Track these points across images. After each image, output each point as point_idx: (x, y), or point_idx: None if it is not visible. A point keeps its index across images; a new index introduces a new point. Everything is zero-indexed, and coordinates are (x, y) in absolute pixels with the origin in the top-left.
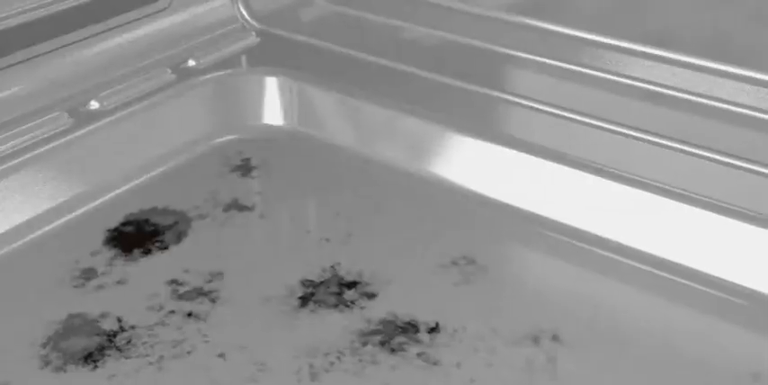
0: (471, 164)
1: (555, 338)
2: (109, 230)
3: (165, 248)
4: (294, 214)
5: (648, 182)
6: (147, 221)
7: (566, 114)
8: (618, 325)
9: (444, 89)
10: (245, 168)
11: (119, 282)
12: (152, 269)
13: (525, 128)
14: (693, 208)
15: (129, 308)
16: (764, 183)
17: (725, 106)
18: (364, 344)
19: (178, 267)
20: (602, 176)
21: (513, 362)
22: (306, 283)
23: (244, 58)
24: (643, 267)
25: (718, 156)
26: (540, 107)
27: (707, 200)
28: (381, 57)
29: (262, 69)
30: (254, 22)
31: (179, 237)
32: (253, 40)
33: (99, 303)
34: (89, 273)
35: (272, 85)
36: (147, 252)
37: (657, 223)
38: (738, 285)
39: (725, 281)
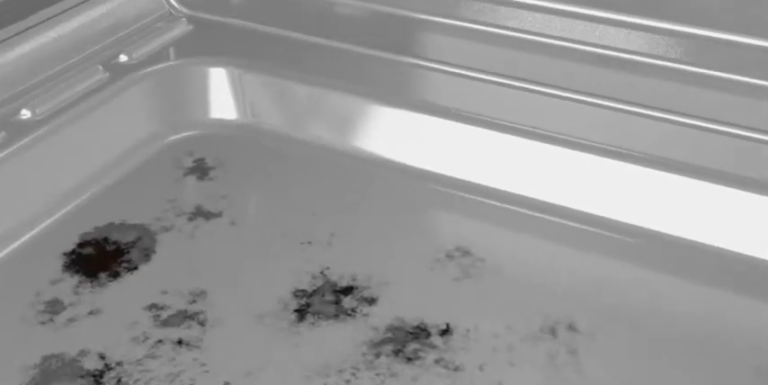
0: (438, 145)
1: (571, 328)
2: (65, 254)
3: (134, 269)
4: (267, 217)
5: (609, 148)
6: (106, 240)
7: (497, 80)
8: (628, 305)
9: (386, 65)
10: (200, 170)
11: (91, 313)
12: (125, 294)
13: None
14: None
15: (110, 341)
16: (677, 130)
17: (627, 56)
18: (377, 355)
19: (154, 289)
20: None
21: (535, 359)
22: (298, 294)
23: (179, 49)
24: (631, 240)
25: (630, 107)
26: (475, 75)
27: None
28: (320, 36)
29: (203, 59)
30: (182, 9)
31: (146, 255)
32: (185, 27)
33: (74, 339)
34: (55, 306)
35: (215, 75)
36: (115, 275)
37: (607, 186)
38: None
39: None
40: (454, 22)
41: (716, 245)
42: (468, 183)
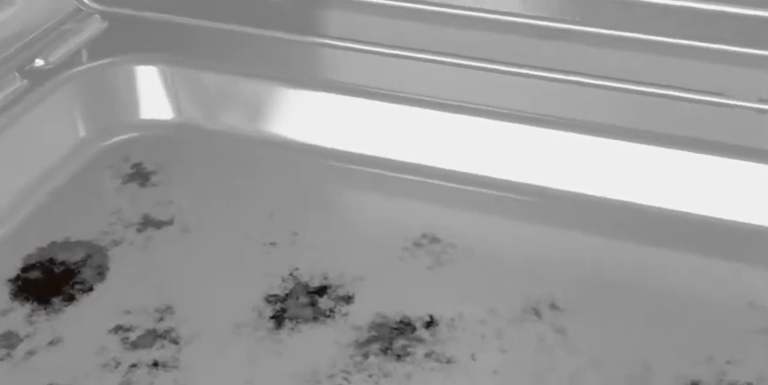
0: (381, 130)
1: (554, 306)
2: (11, 281)
3: (90, 290)
4: (222, 221)
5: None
6: (52, 261)
7: (411, 54)
8: (601, 277)
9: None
10: (140, 176)
11: (52, 343)
12: (85, 318)
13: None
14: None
15: (78, 371)
16: (563, 88)
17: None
18: (365, 355)
19: (116, 309)
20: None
21: (525, 342)
22: (271, 299)
23: (98, 48)
24: (589, 210)
25: (551, 74)
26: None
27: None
28: (243, 24)
29: (127, 58)
30: (93, 5)
31: (100, 273)
32: (99, 24)
33: (38, 374)
34: (10, 339)
35: (143, 73)
36: (70, 298)
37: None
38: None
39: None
40: None
41: (687, 210)
42: (418, 165)
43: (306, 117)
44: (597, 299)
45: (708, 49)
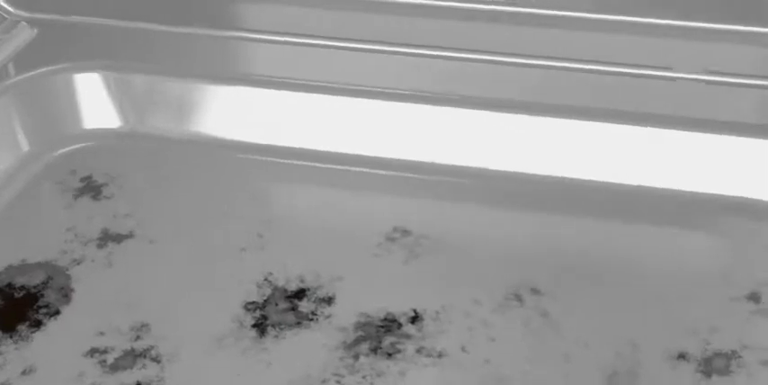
0: (330, 124)
1: (535, 291)
2: None
3: (56, 313)
4: (184, 229)
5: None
6: (11, 286)
7: (330, 43)
8: (574, 256)
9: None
10: (92, 189)
11: (25, 373)
12: (56, 344)
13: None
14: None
15: None
16: (507, 71)
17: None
18: (356, 357)
19: (88, 332)
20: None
21: (512, 329)
22: (250, 307)
23: (31, 57)
24: (536, 188)
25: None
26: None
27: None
28: (177, 24)
29: (64, 66)
30: (18, 12)
31: (65, 295)
32: (29, 32)
33: None
34: None
35: (82, 82)
36: (37, 324)
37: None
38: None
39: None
40: None
41: (646, 184)
42: (375, 158)
43: (256, 116)
44: (575, 279)
45: (650, 25)
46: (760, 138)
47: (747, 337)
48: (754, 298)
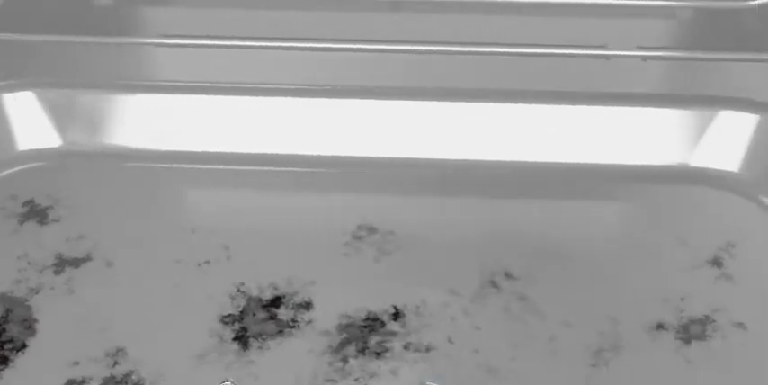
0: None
1: (509, 276)
2: None
3: (23, 347)
4: (144, 246)
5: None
6: None
7: (243, 43)
8: (539, 237)
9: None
10: (37, 213)
11: None
12: (29, 379)
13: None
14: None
15: None
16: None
17: None
18: (344, 360)
19: (61, 363)
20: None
21: (494, 316)
22: (227, 320)
23: None
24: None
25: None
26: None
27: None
28: (106, 35)
29: None
30: None
31: (29, 327)
32: None
33: None
34: None
35: (10, 101)
36: (4, 361)
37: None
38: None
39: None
40: None
41: (590, 161)
42: (327, 157)
43: (196, 124)
44: (543, 261)
45: (579, 5)
46: (665, 107)
47: (717, 301)
48: (716, 263)
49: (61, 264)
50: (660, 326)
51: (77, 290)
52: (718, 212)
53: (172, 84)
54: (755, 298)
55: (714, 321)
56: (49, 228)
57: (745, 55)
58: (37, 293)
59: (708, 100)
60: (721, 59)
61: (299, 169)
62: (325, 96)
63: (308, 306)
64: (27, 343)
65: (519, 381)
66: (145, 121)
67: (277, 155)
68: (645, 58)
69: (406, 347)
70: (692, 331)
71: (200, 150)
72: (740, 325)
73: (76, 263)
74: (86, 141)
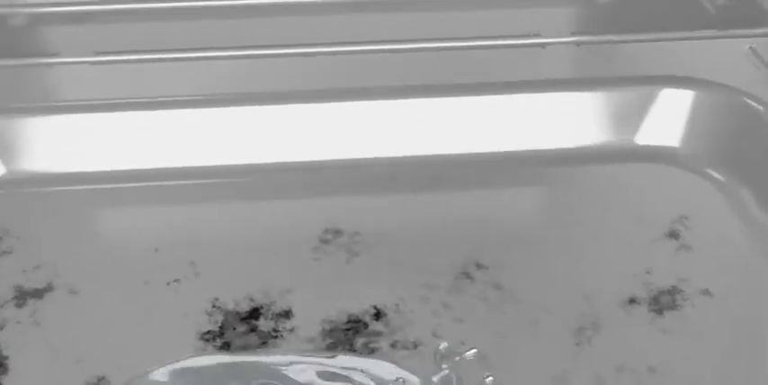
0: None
1: (480, 266)
2: None
3: None
4: (106, 270)
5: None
6: None
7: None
8: (498, 224)
9: None
10: None
11: None
12: None
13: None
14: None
15: None
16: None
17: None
18: None
19: None
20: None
21: (474, 306)
22: (207, 337)
23: None
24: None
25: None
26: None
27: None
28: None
29: None
30: None
31: (0, 365)
32: None
33: None
34: None
35: None
36: None
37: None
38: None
39: None
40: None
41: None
42: (260, 165)
43: (124, 142)
44: (510, 247)
45: None
46: (606, 90)
47: (680, 272)
48: (673, 235)
49: (22, 296)
50: (633, 301)
51: (44, 322)
52: (667, 187)
53: (90, 102)
54: (715, 265)
55: (682, 291)
56: (2, 260)
57: (678, 34)
58: (2, 329)
59: (647, 80)
60: (654, 40)
61: (245, 179)
62: (258, 103)
63: (287, 314)
64: (2, 382)
65: (510, 366)
66: (70, 142)
67: (220, 166)
68: (578, 44)
69: (393, 346)
70: (663, 302)
71: (135, 168)
72: (706, 291)
73: (38, 294)
74: (25, 167)
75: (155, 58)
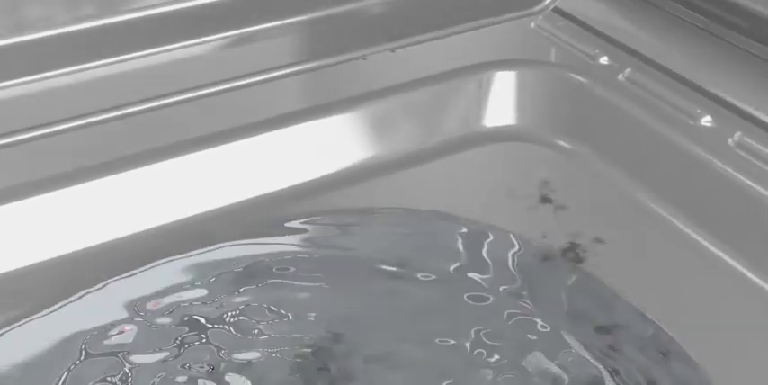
0: None
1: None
2: None
3: None
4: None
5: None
6: None
7: None
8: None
9: None
10: None
11: None
12: None
13: None
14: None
15: None
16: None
17: None
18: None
19: None
20: None
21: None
22: None
23: None
24: None
25: None
26: None
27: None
28: None
29: None
30: None
31: None
32: None
33: None
34: None
35: None
36: None
37: None
38: None
39: None
40: None
41: None
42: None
43: None
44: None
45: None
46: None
47: (567, 229)
48: (546, 199)
49: None
50: (548, 258)
51: None
52: (520, 160)
53: None
54: (591, 217)
55: (579, 244)
56: None
57: (468, 25)
58: None
59: (475, 68)
60: (468, 30)
61: None
62: None
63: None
64: None
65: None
66: None
67: None
68: (393, 50)
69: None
70: (570, 256)
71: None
72: (598, 240)
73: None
74: None
75: None
